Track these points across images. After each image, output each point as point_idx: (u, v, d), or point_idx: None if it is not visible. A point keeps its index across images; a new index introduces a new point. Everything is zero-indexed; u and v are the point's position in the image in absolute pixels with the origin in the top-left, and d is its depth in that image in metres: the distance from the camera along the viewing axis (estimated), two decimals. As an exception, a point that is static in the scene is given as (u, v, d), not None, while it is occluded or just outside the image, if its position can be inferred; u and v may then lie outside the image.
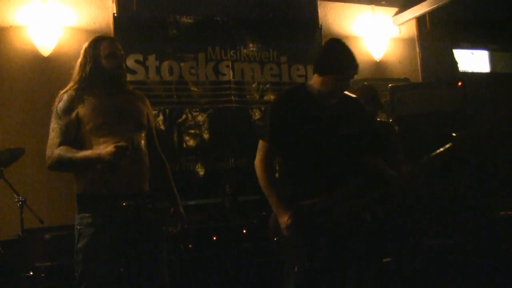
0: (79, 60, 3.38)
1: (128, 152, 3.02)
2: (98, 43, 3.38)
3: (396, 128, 5.02)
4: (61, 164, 3.15)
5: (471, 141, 3.46)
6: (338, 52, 3.43)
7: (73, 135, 3.19)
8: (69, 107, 3.23)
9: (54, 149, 3.15)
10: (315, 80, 3.39)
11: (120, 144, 3.00)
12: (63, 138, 3.17)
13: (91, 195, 3.17)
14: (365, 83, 5.40)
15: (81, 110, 3.21)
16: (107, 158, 2.99)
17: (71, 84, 3.35)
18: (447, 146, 3.31)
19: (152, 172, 3.41)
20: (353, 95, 3.55)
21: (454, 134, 3.32)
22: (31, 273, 4.42)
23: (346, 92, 3.45)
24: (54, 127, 3.22)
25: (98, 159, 3.04)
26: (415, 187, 4.77)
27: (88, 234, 3.12)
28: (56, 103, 3.28)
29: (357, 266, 3.36)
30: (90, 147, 3.16)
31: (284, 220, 3.15)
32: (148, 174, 3.35)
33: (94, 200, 3.16)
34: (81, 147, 3.17)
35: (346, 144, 3.29)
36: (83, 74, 3.31)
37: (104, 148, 3.06)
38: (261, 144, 3.34)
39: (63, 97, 3.27)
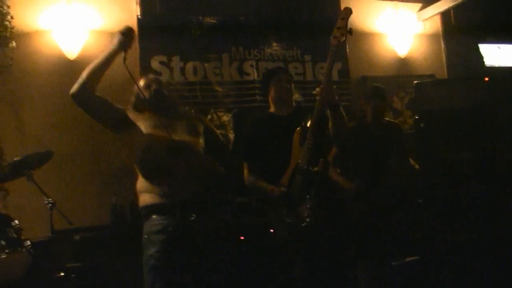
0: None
1: (133, 33, 3.30)
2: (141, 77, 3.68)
3: (422, 125, 5.00)
4: (81, 77, 3.29)
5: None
6: (267, 71, 4.42)
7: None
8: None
9: None
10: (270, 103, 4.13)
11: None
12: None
13: (155, 205, 3.20)
14: (375, 83, 5.41)
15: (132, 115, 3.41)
16: (116, 41, 3.26)
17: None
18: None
19: None
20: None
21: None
22: (62, 273, 4.47)
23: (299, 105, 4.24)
24: None
25: (112, 49, 3.28)
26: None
27: (158, 240, 3.13)
28: None
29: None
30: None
31: (275, 190, 3.71)
32: (209, 181, 3.34)
33: (160, 210, 3.19)
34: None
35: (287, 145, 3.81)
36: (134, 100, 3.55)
37: None
38: (244, 163, 4.09)
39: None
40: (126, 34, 3.27)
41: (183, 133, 3.39)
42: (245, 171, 4.08)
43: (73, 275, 4.56)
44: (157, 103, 3.47)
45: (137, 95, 3.50)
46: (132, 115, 3.40)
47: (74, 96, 3.27)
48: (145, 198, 3.25)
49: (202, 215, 3.23)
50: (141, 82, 3.56)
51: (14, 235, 4.22)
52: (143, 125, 3.33)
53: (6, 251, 4.07)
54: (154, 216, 3.19)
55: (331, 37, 3.48)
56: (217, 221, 3.36)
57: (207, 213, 3.27)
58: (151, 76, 3.74)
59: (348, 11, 3.49)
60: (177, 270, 3.13)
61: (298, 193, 3.60)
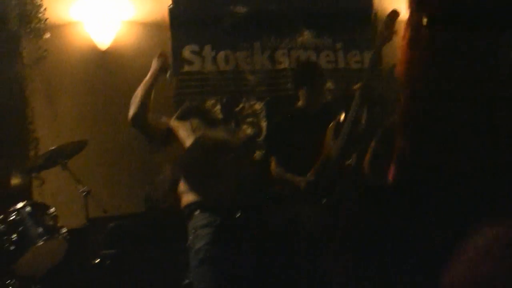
0: None
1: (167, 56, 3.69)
2: None
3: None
4: (131, 104, 3.48)
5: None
6: (303, 68, 4.45)
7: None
8: None
9: None
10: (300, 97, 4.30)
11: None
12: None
13: (199, 203, 3.27)
14: None
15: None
16: (154, 68, 3.54)
17: None
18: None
19: None
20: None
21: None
22: (98, 260, 4.53)
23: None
24: None
25: (151, 76, 3.52)
26: None
27: (206, 234, 3.17)
28: None
29: None
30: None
31: (302, 181, 3.89)
32: (256, 185, 3.49)
33: (204, 207, 3.25)
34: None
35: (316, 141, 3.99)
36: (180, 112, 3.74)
37: None
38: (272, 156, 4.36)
39: None
40: (163, 55, 3.65)
41: (222, 133, 3.56)
42: (273, 164, 4.21)
43: (108, 262, 4.61)
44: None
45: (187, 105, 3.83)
46: (174, 123, 3.52)
47: (130, 122, 3.51)
48: (188, 197, 3.31)
49: (247, 212, 3.29)
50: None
51: (51, 223, 4.28)
52: (185, 131, 3.43)
53: (43, 238, 4.13)
54: (197, 213, 3.23)
55: (378, 34, 3.58)
56: (261, 216, 3.44)
57: (252, 210, 3.33)
58: None
59: (396, 14, 3.55)
60: (226, 262, 3.17)
61: (328, 185, 3.62)
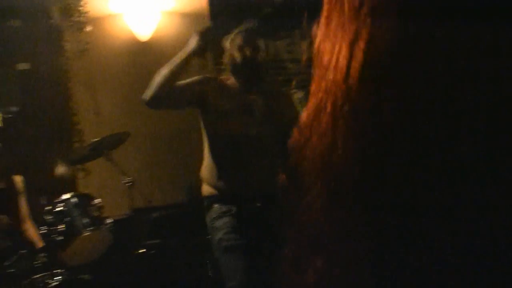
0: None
1: (210, 31, 3.04)
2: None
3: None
4: (152, 83, 3.04)
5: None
6: None
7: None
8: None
9: None
10: None
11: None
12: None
13: (217, 196, 3.19)
14: None
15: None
16: (193, 44, 2.98)
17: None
18: None
19: None
20: None
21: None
22: (143, 250, 4.56)
23: None
24: None
25: (188, 54, 3.00)
26: None
27: (223, 223, 3.11)
28: None
29: None
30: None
31: None
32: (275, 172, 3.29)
33: (222, 200, 3.17)
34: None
35: None
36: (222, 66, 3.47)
37: None
38: None
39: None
40: (205, 34, 3.09)
41: (262, 115, 3.27)
42: None
43: (153, 252, 4.64)
44: (246, 72, 3.28)
45: (229, 60, 3.30)
46: (215, 84, 3.27)
47: (148, 104, 3.18)
48: (208, 188, 3.24)
49: (267, 204, 3.15)
50: (234, 40, 3.34)
51: (96, 214, 4.32)
52: (223, 101, 3.21)
53: (89, 228, 4.18)
54: (216, 205, 3.18)
55: None
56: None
57: (272, 202, 3.20)
58: (246, 34, 3.39)
59: None
60: (248, 248, 3.10)
61: None
